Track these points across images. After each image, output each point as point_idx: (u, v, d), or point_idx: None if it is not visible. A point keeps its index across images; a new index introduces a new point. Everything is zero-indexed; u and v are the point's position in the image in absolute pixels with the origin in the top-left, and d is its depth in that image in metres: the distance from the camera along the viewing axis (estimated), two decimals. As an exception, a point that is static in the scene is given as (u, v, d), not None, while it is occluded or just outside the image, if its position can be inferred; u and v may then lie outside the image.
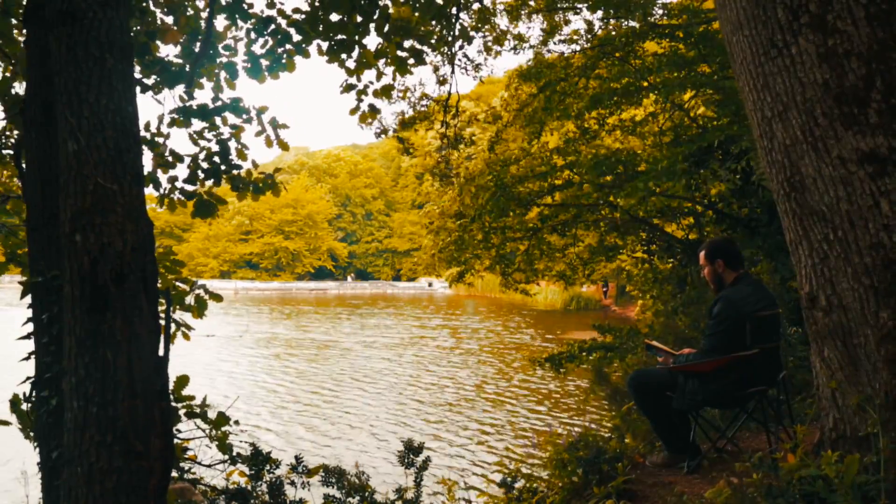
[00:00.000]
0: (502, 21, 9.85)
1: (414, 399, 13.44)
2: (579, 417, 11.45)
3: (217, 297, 3.63)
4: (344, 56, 4.11)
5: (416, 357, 19.09)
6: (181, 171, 4.20)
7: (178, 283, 3.51)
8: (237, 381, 15.33)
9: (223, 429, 3.23)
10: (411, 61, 4.22)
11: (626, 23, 8.89)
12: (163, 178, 4.13)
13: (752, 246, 5.57)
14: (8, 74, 3.58)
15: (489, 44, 9.43)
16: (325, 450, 9.86)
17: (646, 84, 8.48)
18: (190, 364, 16.63)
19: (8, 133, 3.52)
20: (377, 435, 10.68)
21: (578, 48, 9.21)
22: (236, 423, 3.30)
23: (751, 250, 5.69)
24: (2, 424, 2.97)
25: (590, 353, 7.57)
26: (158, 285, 3.24)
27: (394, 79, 4.48)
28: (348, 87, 4.61)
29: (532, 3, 8.95)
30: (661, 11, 8.84)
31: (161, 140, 4.10)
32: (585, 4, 8.77)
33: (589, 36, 9.42)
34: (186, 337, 3.63)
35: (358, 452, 9.67)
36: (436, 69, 8.81)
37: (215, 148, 4.11)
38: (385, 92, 4.62)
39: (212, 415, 3.21)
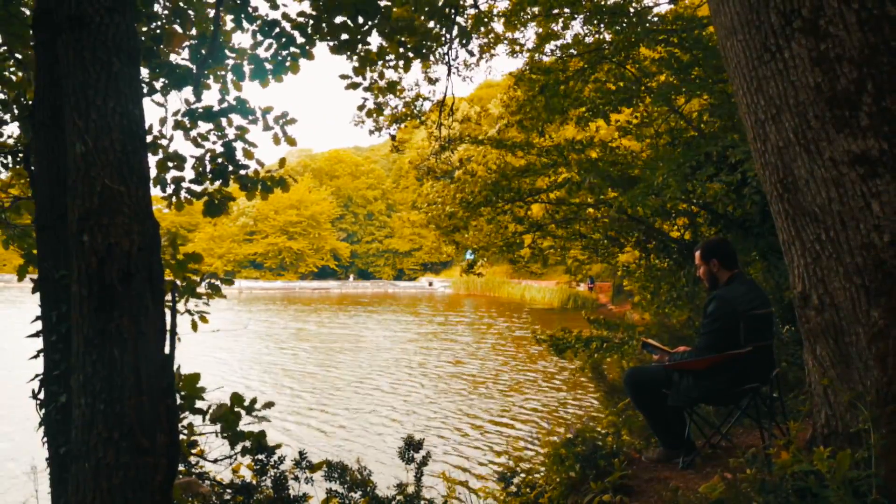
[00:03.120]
0: (498, 26, 9.93)
1: (442, 392, 13.67)
2: (579, 409, 11.55)
3: (229, 281, 3.71)
4: (347, 53, 4.16)
5: (449, 351, 19.55)
6: (188, 171, 4.25)
7: (188, 275, 3.57)
8: (291, 375, 15.79)
9: (253, 412, 3.27)
10: (411, 55, 4.26)
11: (622, 27, 8.94)
12: (169, 179, 4.18)
13: (746, 246, 5.63)
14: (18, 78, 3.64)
15: (485, 46, 9.47)
16: (341, 443, 10.00)
17: (643, 87, 8.53)
18: (238, 357, 17.59)
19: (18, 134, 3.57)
20: (398, 427, 10.85)
21: (575, 53, 9.25)
22: (250, 403, 3.32)
23: (745, 251, 5.75)
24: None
25: (587, 343, 7.64)
26: (171, 278, 3.30)
27: (395, 70, 4.55)
28: (353, 85, 4.67)
29: (528, 12, 8.98)
30: (656, 19, 8.91)
31: (165, 142, 4.14)
32: (582, 14, 8.81)
33: (587, 40, 9.47)
34: (204, 320, 3.71)
35: (373, 445, 9.80)
36: (428, 67, 8.85)
37: (220, 149, 4.15)
38: (390, 88, 4.69)
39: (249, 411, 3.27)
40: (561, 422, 10.78)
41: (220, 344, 19.12)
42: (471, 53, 9.39)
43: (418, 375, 15.76)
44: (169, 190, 4.33)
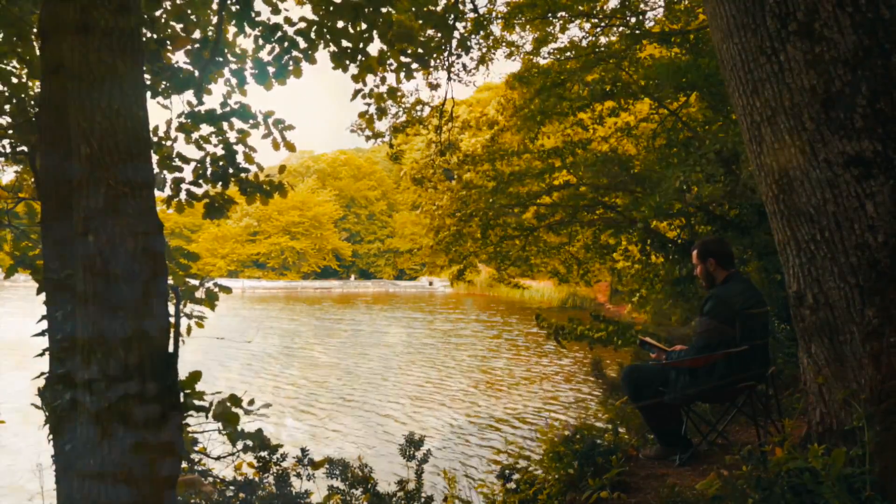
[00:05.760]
0: (496, 29, 9.95)
1: (443, 389, 13.79)
2: (577, 407, 11.61)
3: (226, 290, 3.73)
4: (348, 62, 4.19)
5: (449, 348, 19.73)
6: (188, 173, 4.28)
7: (188, 280, 3.60)
8: (324, 368, 16.13)
9: (248, 415, 3.31)
10: (415, 66, 4.29)
11: (619, 29, 9.00)
12: (169, 180, 4.21)
13: (742, 246, 5.67)
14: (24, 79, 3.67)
15: (483, 52, 9.51)
16: (347, 438, 10.10)
17: (640, 86, 8.57)
18: (269, 352, 17.95)
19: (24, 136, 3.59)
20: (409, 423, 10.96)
21: (571, 56, 9.29)
22: (250, 403, 3.35)
23: (740, 250, 5.78)
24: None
25: (588, 336, 7.65)
26: (170, 281, 3.33)
27: (398, 82, 4.57)
28: (356, 93, 4.70)
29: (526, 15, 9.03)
30: (653, 21, 8.97)
31: (168, 143, 4.17)
32: (580, 15, 8.85)
33: (584, 43, 9.51)
34: (200, 325, 3.74)
35: (375, 441, 9.88)
36: (428, 74, 8.89)
37: (221, 152, 4.18)
38: (391, 94, 4.71)
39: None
40: (560, 419, 10.83)
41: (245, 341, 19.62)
42: (469, 61, 9.42)
43: (420, 372, 15.83)
44: (169, 191, 4.35)
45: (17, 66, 3.75)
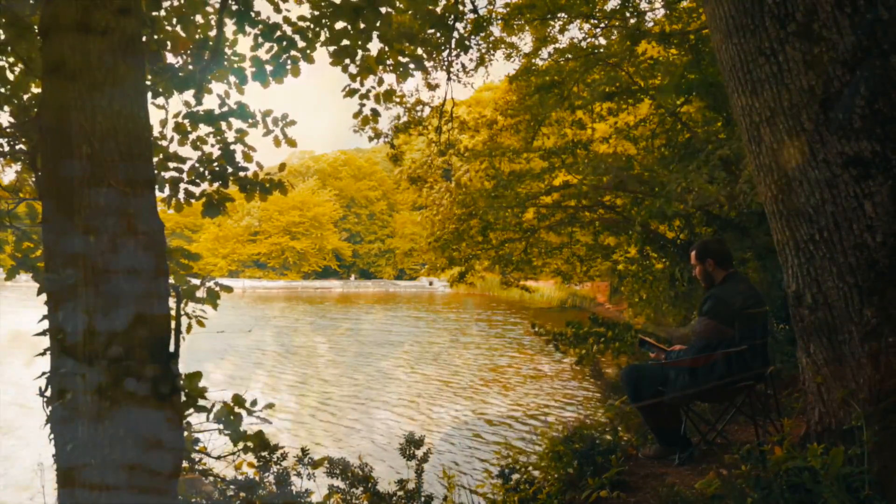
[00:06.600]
0: (496, 30, 10.01)
1: (444, 388, 13.85)
2: (577, 406, 11.64)
3: (227, 289, 3.73)
4: (347, 61, 4.20)
5: (450, 347, 19.86)
6: (186, 173, 4.27)
7: (189, 279, 3.60)
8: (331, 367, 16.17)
9: (252, 416, 3.32)
10: (412, 66, 4.30)
11: (618, 30, 9.03)
12: (168, 178, 4.21)
13: (742, 246, 5.68)
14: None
15: (483, 52, 9.54)
16: (350, 436, 10.13)
17: (639, 87, 8.60)
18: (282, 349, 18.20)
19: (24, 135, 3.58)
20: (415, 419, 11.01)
21: (572, 56, 9.32)
22: (252, 404, 3.36)
23: (740, 251, 5.80)
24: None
25: (585, 339, 7.66)
26: (171, 281, 3.33)
27: (398, 82, 4.57)
28: (351, 92, 4.70)
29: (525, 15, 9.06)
30: (652, 22, 9.00)
31: (165, 143, 4.16)
32: (580, 16, 8.87)
33: (583, 44, 9.54)
34: (201, 324, 3.75)
35: (378, 440, 9.92)
36: (427, 75, 8.92)
37: (218, 153, 4.18)
38: (387, 96, 4.71)
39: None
40: (560, 418, 10.85)
41: (256, 338, 19.93)
42: (468, 62, 9.44)
43: (423, 370, 15.86)
44: (168, 190, 4.35)
45: (14, 60, 3.74)
